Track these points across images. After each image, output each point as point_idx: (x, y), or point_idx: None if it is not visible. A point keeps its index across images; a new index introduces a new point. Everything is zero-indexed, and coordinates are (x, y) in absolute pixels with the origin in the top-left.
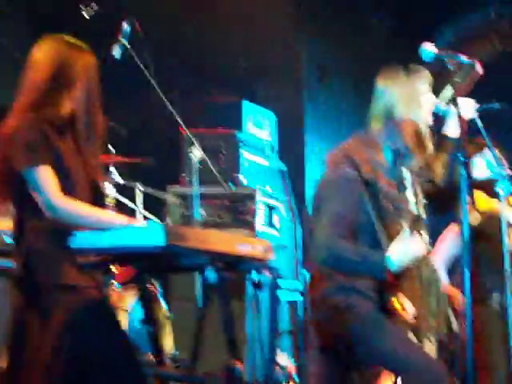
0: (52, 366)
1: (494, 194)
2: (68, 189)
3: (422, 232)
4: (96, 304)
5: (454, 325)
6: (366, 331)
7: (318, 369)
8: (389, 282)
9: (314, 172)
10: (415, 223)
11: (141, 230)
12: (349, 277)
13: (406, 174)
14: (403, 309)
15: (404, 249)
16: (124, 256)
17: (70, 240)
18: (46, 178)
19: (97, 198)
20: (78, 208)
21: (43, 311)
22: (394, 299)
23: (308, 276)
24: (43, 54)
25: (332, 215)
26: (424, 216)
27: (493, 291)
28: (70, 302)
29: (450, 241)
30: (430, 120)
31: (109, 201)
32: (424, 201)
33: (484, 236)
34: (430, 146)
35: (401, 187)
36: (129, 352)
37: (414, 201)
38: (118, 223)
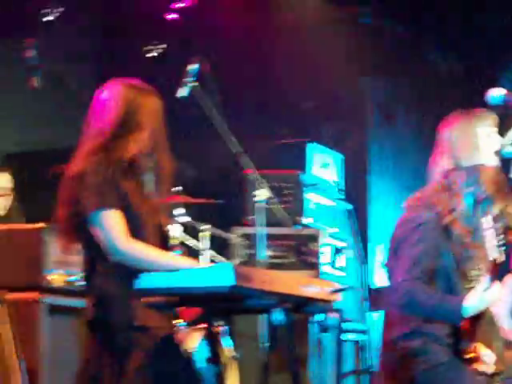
0: None
1: None
2: (135, 231)
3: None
4: (168, 344)
5: None
6: (438, 380)
7: None
8: (465, 328)
9: (378, 212)
10: (493, 269)
11: (209, 270)
12: (424, 321)
13: (486, 219)
14: (481, 358)
15: (482, 297)
16: (192, 297)
17: (136, 281)
18: (111, 221)
19: (162, 240)
20: (143, 251)
21: (119, 352)
22: (472, 347)
23: (373, 315)
24: (110, 98)
25: (409, 259)
26: (503, 260)
27: None
28: (144, 342)
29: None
30: (494, 161)
31: (175, 241)
32: (503, 245)
33: None
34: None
35: (477, 234)
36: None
37: (494, 244)
38: (183, 267)
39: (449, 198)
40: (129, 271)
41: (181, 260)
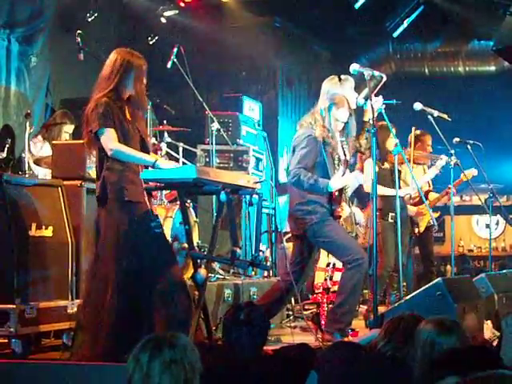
0: (116, 246)
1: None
2: (125, 141)
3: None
4: (143, 212)
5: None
6: (322, 228)
7: (293, 248)
8: (335, 198)
9: (283, 138)
10: (345, 165)
11: (182, 168)
12: (312, 194)
13: (341, 137)
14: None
15: (339, 180)
16: (172, 184)
17: (142, 174)
18: (109, 134)
19: (143, 147)
20: (125, 149)
21: (114, 216)
22: (339, 209)
23: (279, 198)
24: (114, 58)
25: (300, 157)
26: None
27: (390, 212)
28: (128, 209)
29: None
30: (353, 106)
31: (162, 153)
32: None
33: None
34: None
35: (339, 144)
36: (163, 241)
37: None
38: (149, 160)
39: (322, 120)
40: (121, 167)
41: (148, 156)
